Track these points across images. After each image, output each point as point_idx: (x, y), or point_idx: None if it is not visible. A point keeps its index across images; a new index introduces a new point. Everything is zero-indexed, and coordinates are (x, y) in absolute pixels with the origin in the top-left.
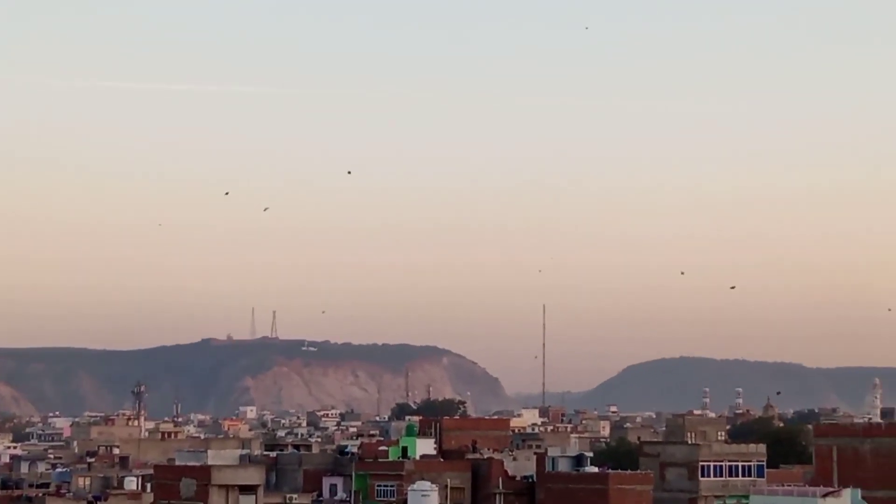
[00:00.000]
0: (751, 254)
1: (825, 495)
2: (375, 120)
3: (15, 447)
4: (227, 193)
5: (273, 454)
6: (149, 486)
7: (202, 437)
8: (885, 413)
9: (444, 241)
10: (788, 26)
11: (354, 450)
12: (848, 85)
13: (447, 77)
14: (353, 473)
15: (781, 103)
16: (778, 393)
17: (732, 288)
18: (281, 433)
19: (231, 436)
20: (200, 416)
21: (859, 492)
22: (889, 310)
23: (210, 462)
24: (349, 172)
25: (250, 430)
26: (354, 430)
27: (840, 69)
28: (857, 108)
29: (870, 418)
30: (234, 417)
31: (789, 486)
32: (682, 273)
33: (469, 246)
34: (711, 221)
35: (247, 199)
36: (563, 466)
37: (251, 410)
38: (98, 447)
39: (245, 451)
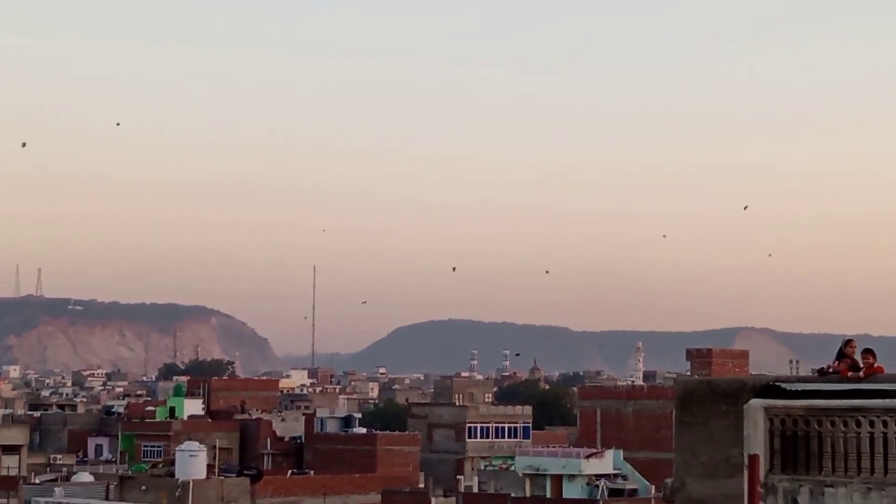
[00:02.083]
0: (520, 222)
1: (588, 456)
2: (150, 70)
3: None
4: None
5: (37, 414)
6: None
7: None
8: (647, 376)
9: (215, 197)
10: None
11: (121, 410)
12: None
13: (236, 31)
14: (120, 434)
15: (557, 77)
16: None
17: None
18: (45, 393)
19: None
20: None
21: (622, 453)
22: (664, 236)
23: None
24: (118, 124)
25: (13, 389)
26: (121, 390)
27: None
28: (648, 81)
29: (633, 381)
30: None
31: (554, 447)
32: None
33: (240, 204)
34: (485, 189)
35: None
36: (332, 427)
37: (14, 370)
38: None
39: (8, 411)
